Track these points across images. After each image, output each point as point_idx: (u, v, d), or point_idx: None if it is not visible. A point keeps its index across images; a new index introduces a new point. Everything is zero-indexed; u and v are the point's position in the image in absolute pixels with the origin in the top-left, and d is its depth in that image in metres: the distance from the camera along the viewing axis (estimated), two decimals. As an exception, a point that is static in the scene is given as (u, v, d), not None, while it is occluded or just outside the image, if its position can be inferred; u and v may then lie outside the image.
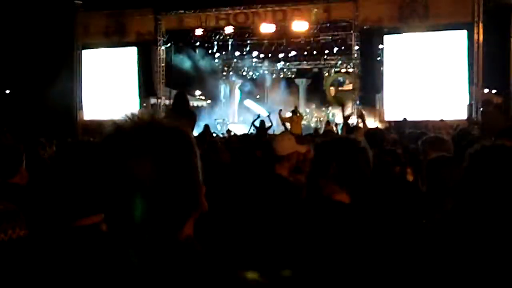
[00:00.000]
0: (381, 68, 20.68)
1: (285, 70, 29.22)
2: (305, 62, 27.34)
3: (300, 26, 21.24)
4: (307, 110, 28.15)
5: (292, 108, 19.58)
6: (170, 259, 1.28)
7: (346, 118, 10.71)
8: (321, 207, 2.45)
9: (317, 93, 28.03)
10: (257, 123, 16.34)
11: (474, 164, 2.31)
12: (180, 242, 1.32)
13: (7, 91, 25.96)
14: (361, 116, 11.27)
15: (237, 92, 30.20)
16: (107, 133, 1.34)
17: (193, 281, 1.27)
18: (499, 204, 2.20)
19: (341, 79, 27.22)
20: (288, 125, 17.31)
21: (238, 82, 29.81)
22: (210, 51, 25.04)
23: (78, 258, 1.41)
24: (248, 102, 28.77)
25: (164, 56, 23.08)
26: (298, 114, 19.28)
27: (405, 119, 16.90)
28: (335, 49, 24.83)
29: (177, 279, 1.26)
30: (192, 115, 6.37)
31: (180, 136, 1.34)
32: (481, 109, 18.35)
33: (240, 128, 23.47)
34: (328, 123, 19.18)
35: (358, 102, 20.62)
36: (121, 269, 1.28)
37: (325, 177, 2.49)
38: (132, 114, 1.35)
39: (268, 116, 16.94)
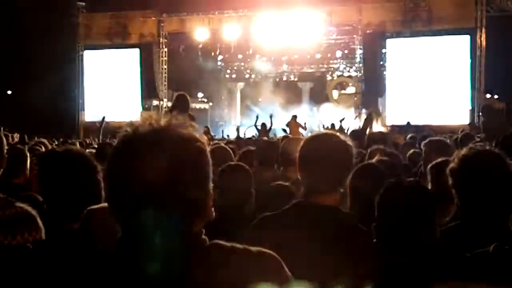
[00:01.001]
0: (384, 72, 20.66)
1: (288, 73, 29.16)
2: (308, 65, 27.29)
3: (303, 29, 21.22)
4: (310, 113, 28.07)
5: (294, 112, 19.61)
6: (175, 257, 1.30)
7: (340, 121, 10.82)
8: (305, 211, 2.33)
9: (320, 96, 28.00)
10: (258, 125, 16.34)
11: (461, 166, 2.40)
12: (187, 242, 1.33)
13: (9, 92, 25.98)
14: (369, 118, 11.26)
15: (239, 95, 30.17)
16: (124, 133, 1.35)
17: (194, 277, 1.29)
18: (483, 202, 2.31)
19: (344, 82, 27.22)
20: (287, 130, 17.31)
21: (241, 84, 29.77)
22: (212, 53, 25.01)
23: (86, 258, 1.42)
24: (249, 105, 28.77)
25: (166, 58, 23.07)
26: (297, 120, 19.32)
27: (408, 123, 16.89)
28: (338, 53, 24.81)
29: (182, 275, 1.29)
30: (191, 118, 6.33)
31: (195, 145, 1.36)
32: (480, 113, 18.31)
33: (242, 130, 23.41)
34: (333, 126, 19.17)
35: (360, 106, 20.63)
36: (126, 269, 1.30)
37: (310, 179, 2.41)
38: (150, 118, 1.36)
39: (270, 117, 16.90)
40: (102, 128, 11.29)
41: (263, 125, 16.23)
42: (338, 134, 2.50)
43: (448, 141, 4.91)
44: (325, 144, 2.39)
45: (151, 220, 1.28)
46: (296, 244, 2.12)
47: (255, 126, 16.59)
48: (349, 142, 2.42)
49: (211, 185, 1.40)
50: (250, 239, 2.28)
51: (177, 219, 1.30)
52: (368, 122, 9.26)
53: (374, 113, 15.42)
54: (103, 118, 11.42)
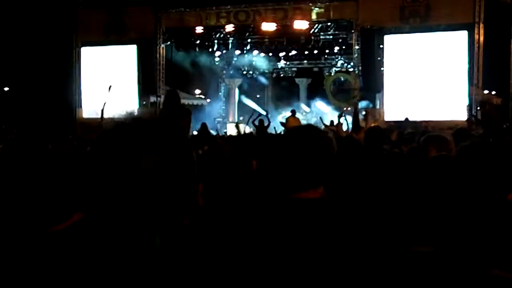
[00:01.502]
0: (382, 68, 20.65)
1: (285, 69, 29.17)
2: (305, 61, 27.29)
3: (301, 25, 21.23)
4: (308, 110, 28.08)
5: (291, 108, 19.62)
6: (166, 252, 1.31)
7: (339, 117, 10.82)
8: (285, 208, 2.27)
9: (317, 92, 27.98)
10: (256, 122, 16.30)
11: (460, 157, 2.48)
12: (176, 235, 1.34)
13: (6, 88, 25.95)
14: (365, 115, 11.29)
15: (237, 91, 30.15)
16: (108, 129, 1.35)
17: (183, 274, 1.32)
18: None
19: (342, 78, 27.19)
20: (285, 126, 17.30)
21: (238, 81, 29.75)
22: (210, 50, 24.99)
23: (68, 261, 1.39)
24: (247, 101, 28.76)
25: (164, 54, 23.03)
26: (295, 116, 19.31)
27: (406, 119, 16.87)
28: (336, 49, 24.79)
29: (170, 270, 1.30)
30: (187, 113, 6.29)
31: (179, 133, 1.37)
32: (478, 108, 18.32)
33: (241, 127, 23.37)
34: (332, 122, 19.15)
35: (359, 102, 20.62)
36: (119, 266, 1.28)
37: (287, 172, 2.31)
38: (131, 112, 1.38)
39: (266, 115, 16.85)
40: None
41: (261, 121, 16.18)
42: (318, 128, 2.46)
43: (446, 136, 4.89)
44: (305, 138, 2.32)
45: (139, 212, 1.28)
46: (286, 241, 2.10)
47: (253, 123, 16.53)
48: (330, 135, 2.37)
49: (196, 172, 1.39)
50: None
51: (165, 211, 1.30)
52: (356, 119, 9.26)
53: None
54: (110, 86, 11.06)
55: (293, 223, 2.15)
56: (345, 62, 26.06)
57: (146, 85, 22.95)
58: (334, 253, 2.08)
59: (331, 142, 2.32)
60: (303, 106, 28.22)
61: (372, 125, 12.36)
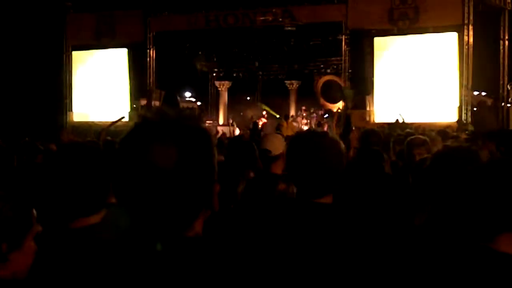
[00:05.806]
0: (371, 70, 20.69)
1: (275, 71, 29.18)
2: (295, 64, 27.30)
3: (290, 27, 21.26)
4: (298, 112, 28.10)
5: (284, 113, 19.74)
6: (177, 254, 1.32)
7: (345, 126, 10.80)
8: (300, 211, 2.37)
9: (307, 94, 28.03)
10: (250, 125, 16.35)
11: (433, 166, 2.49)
12: (189, 238, 1.36)
13: (-4, 93, 25.84)
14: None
15: (227, 94, 30.14)
16: (135, 124, 1.38)
17: (198, 277, 1.30)
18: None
19: (331, 80, 27.23)
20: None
21: (228, 83, 29.75)
22: (200, 52, 24.97)
23: (81, 259, 1.42)
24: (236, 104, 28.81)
25: (154, 57, 23.01)
26: (288, 120, 19.39)
27: (397, 120, 16.92)
28: (325, 51, 24.84)
29: (182, 274, 1.30)
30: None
31: (203, 135, 1.40)
32: (475, 109, 18.43)
33: (229, 130, 23.40)
34: (319, 123, 19.20)
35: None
36: (129, 265, 1.31)
37: (299, 176, 2.38)
38: (159, 109, 1.39)
39: (253, 118, 16.91)
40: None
41: (255, 124, 16.24)
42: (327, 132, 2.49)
43: (426, 138, 4.96)
44: (318, 144, 2.36)
45: (157, 210, 1.30)
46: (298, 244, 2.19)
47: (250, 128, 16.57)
48: (339, 140, 2.40)
49: (215, 176, 1.42)
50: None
51: (182, 207, 1.33)
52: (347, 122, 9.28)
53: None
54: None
55: (313, 224, 2.26)
56: (335, 65, 26.10)
57: (137, 89, 22.93)
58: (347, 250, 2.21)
59: (343, 148, 2.38)
60: (293, 108, 28.26)
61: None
